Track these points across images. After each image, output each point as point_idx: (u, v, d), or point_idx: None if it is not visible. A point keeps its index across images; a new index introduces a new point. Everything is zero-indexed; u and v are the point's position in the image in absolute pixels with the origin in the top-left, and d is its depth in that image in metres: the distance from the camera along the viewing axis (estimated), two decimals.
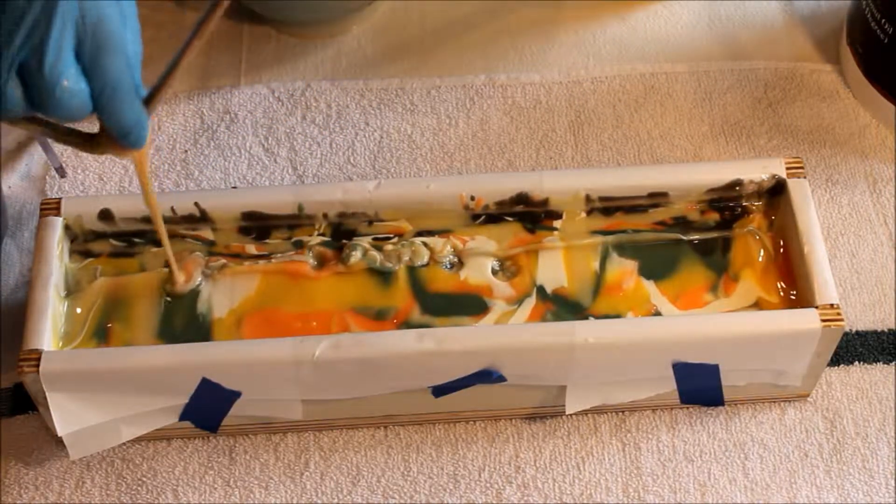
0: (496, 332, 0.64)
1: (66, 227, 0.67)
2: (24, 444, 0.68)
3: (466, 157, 0.79)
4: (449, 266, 0.69)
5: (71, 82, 0.50)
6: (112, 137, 0.55)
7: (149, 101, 0.57)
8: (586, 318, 0.67)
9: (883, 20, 0.76)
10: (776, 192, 0.69)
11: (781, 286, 0.67)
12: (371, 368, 0.63)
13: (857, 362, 0.71)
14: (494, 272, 0.68)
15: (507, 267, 0.69)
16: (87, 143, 0.57)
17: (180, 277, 0.67)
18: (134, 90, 0.53)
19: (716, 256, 0.69)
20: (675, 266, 0.69)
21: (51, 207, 0.67)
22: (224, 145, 0.79)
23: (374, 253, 0.68)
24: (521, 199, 0.69)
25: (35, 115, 0.53)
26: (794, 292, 0.67)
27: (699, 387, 0.66)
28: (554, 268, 0.68)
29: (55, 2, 0.48)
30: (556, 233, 0.69)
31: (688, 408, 0.69)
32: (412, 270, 0.68)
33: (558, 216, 0.69)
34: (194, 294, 0.67)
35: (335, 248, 0.69)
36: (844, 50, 0.82)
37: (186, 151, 0.79)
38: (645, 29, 0.86)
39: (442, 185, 0.69)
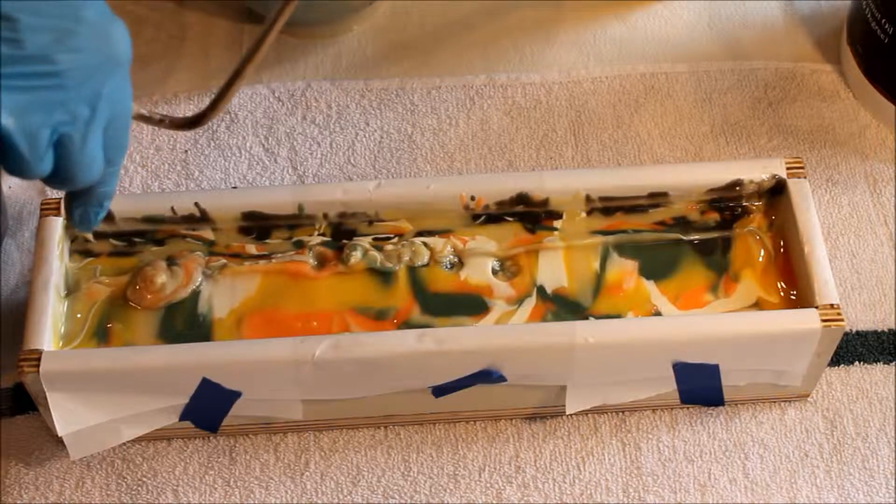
0: (496, 332, 0.64)
1: (66, 227, 0.67)
2: (24, 444, 0.68)
3: (466, 157, 0.79)
4: (449, 266, 0.69)
5: (98, 162, 0.54)
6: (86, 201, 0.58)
7: (212, 107, 0.59)
8: (586, 318, 0.67)
9: (883, 20, 0.76)
10: (776, 192, 0.69)
11: (781, 286, 0.67)
12: (371, 368, 0.63)
13: (857, 362, 0.71)
14: (495, 272, 0.68)
15: (508, 267, 0.69)
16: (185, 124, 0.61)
17: (160, 279, 0.67)
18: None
19: (716, 256, 0.69)
20: (675, 266, 0.69)
21: (51, 207, 0.67)
22: (224, 145, 0.79)
23: (375, 253, 0.68)
24: (522, 199, 0.69)
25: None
26: (794, 292, 0.67)
27: (699, 387, 0.66)
28: (554, 268, 0.68)
29: (100, 95, 0.52)
30: (556, 233, 0.69)
31: (688, 408, 0.69)
32: (412, 270, 0.68)
33: (558, 216, 0.69)
34: (194, 294, 0.67)
35: (335, 248, 0.69)
36: (844, 50, 0.82)
37: (186, 151, 0.79)
38: (645, 29, 0.86)
39: (442, 185, 0.69)
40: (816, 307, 0.64)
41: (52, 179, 0.53)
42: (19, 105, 0.49)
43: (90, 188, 0.56)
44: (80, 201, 0.57)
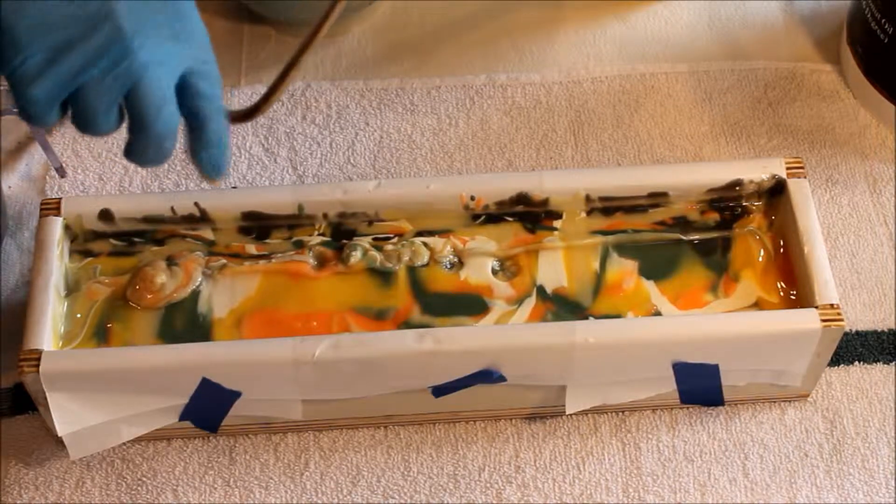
0: (496, 332, 0.64)
1: (66, 227, 0.67)
2: (24, 444, 0.68)
3: (466, 157, 0.79)
4: (449, 266, 0.69)
5: (171, 109, 0.55)
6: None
7: (266, 99, 0.61)
8: (586, 318, 0.67)
9: (883, 20, 0.76)
10: (776, 192, 0.69)
11: (781, 286, 0.67)
12: (371, 368, 0.63)
13: (857, 362, 0.71)
14: (494, 272, 0.68)
15: (508, 267, 0.69)
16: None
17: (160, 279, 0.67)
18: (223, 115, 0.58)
19: (716, 256, 0.69)
20: (675, 266, 0.69)
21: (51, 207, 0.67)
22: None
23: (375, 253, 0.68)
24: (521, 199, 0.69)
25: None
26: (794, 292, 0.67)
27: (699, 387, 0.66)
28: (554, 268, 0.68)
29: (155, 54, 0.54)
30: (556, 233, 0.69)
31: (688, 408, 0.69)
32: (412, 270, 0.68)
33: (558, 216, 0.69)
34: (194, 294, 0.67)
35: (335, 248, 0.69)
36: (844, 50, 0.82)
37: (186, 151, 0.79)
38: (645, 29, 0.86)
39: (442, 185, 0.69)
40: (816, 307, 0.64)
41: (132, 131, 0.55)
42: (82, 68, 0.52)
43: (201, 130, 0.57)
44: (198, 145, 0.58)
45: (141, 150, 0.56)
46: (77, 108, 0.53)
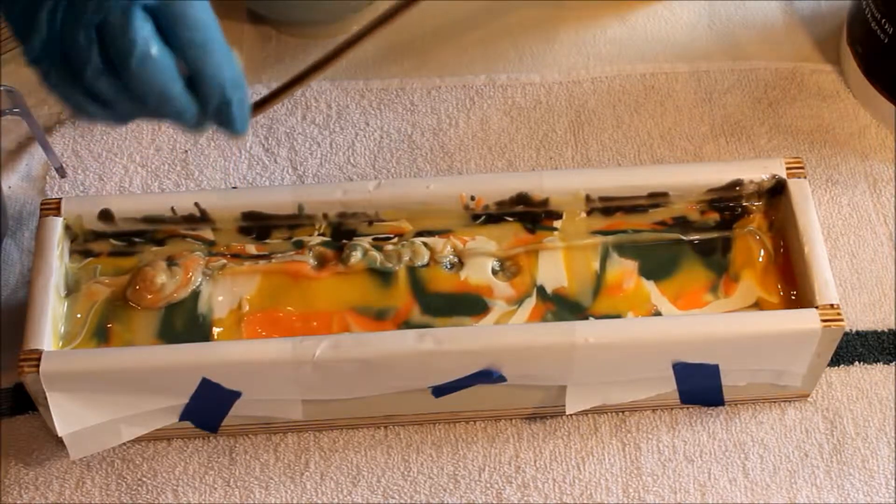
0: (496, 332, 0.64)
1: (66, 227, 0.67)
2: (24, 444, 0.68)
3: (466, 157, 0.79)
4: (449, 266, 0.69)
5: (155, 50, 0.51)
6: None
7: (260, 105, 0.60)
8: (586, 318, 0.67)
9: (883, 20, 0.76)
10: (776, 192, 0.69)
11: (781, 286, 0.67)
12: (371, 368, 0.63)
13: (857, 362, 0.71)
14: (495, 272, 0.68)
15: (508, 267, 0.69)
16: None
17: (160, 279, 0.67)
18: (228, 51, 0.53)
19: (716, 256, 0.69)
20: (675, 266, 0.69)
21: (51, 207, 0.67)
22: (224, 145, 0.79)
23: (375, 253, 0.68)
24: (521, 199, 0.69)
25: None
26: (794, 292, 0.67)
27: (699, 387, 0.66)
28: (554, 268, 0.68)
29: None
30: (556, 233, 0.69)
31: (688, 408, 0.69)
32: (412, 270, 0.68)
33: (558, 216, 0.69)
34: (194, 294, 0.67)
35: (335, 248, 0.69)
36: (844, 50, 0.82)
37: (186, 151, 0.79)
38: (645, 29, 0.86)
39: (442, 185, 0.69)
40: (816, 307, 0.64)
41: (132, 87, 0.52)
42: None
43: (204, 78, 0.53)
44: (203, 97, 0.53)
45: (139, 95, 0.52)
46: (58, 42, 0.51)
